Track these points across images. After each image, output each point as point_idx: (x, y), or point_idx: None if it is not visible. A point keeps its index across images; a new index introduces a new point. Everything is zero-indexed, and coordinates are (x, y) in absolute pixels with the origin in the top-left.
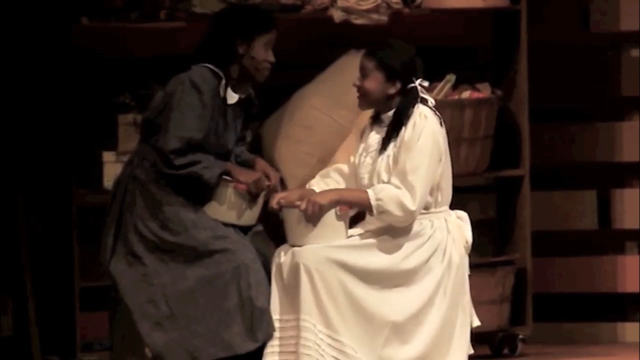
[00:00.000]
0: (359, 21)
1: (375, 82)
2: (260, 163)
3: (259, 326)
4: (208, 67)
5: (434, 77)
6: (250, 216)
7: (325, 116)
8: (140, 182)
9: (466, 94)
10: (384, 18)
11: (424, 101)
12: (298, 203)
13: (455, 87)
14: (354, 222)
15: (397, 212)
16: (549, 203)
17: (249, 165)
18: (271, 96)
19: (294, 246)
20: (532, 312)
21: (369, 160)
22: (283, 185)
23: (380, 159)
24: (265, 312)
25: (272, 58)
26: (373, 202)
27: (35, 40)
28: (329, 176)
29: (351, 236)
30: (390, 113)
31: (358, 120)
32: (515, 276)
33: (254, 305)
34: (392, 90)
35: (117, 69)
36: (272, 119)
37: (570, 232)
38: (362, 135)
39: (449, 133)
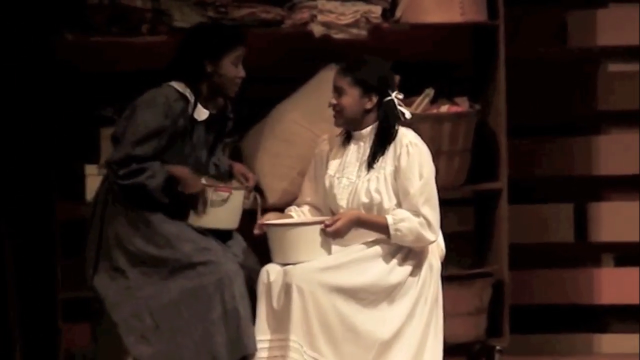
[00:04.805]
0: (339, 36)
1: (351, 99)
2: (238, 167)
3: (244, 336)
4: (174, 88)
5: (413, 91)
6: (231, 219)
7: (306, 130)
8: (119, 197)
9: (445, 108)
10: (363, 33)
11: (402, 115)
12: (324, 220)
13: (434, 101)
14: None
15: (415, 243)
16: (527, 216)
17: (228, 173)
18: (251, 110)
19: (286, 264)
20: (509, 324)
21: (345, 181)
22: (259, 191)
23: (360, 182)
24: (250, 323)
25: (242, 73)
26: (392, 232)
27: (17, 54)
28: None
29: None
30: (365, 130)
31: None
32: (492, 288)
33: (239, 316)
34: (368, 105)
35: (99, 83)
36: (252, 132)
37: (547, 245)
38: (329, 155)
39: (427, 147)
